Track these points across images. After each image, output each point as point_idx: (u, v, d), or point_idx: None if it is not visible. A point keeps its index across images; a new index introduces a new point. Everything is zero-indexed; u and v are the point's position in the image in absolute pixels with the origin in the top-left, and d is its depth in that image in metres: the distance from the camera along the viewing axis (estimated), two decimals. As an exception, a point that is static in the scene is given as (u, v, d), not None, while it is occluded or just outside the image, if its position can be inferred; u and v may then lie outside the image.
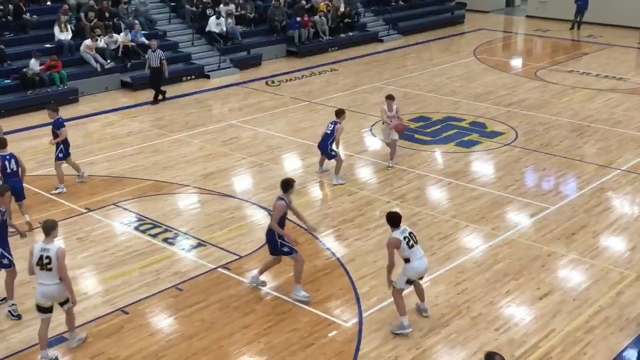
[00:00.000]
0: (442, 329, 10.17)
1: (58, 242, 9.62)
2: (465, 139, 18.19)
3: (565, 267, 11.93)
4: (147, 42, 23.72)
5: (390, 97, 15.82)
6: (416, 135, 18.39)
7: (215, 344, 9.79)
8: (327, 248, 12.54)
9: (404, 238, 9.80)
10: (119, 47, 22.99)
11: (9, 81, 20.75)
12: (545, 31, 32.52)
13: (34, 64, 20.52)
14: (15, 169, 12.57)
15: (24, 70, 20.56)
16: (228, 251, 12.32)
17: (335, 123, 15.17)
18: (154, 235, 12.86)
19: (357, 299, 10.87)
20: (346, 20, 29.95)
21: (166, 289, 11.14)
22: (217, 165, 16.30)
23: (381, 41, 30.64)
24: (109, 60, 22.72)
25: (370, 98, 21.89)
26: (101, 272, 11.65)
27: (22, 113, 19.86)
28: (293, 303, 10.72)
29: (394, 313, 10.42)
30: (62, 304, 9.42)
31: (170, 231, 12.91)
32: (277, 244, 10.70)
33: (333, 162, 15.34)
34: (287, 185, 10.76)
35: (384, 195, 14.72)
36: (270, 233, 10.76)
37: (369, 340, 9.87)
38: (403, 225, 10.01)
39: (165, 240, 12.65)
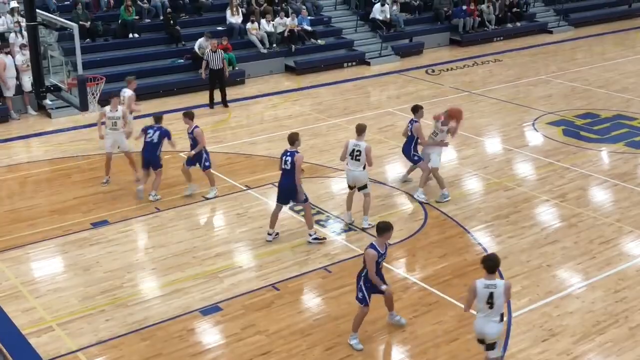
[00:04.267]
0: (596, 336, 9.69)
1: (363, 143, 12.35)
2: (636, 139, 17.10)
3: None
4: (309, 28, 24.29)
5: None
6: (582, 133, 17.54)
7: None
8: (479, 243, 12.28)
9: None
10: (284, 30, 23.66)
11: (182, 60, 21.98)
12: None
13: (204, 44, 21.47)
14: (155, 140, 13.56)
15: (195, 50, 21.60)
16: (378, 238, 12.38)
17: (412, 122, 13.69)
18: (308, 217, 13.18)
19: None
20: (514, 9, 29.03)
21: (316, 270, 11.40)
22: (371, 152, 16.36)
23: (550, 32, 29.41)
24: (274, 45, 23.45)
25: (535, 91, 21.11)
26: (256, 248, 12.12)
27: (192, 92, 20.96)
28: (440, 295, 10.62)
29: (546, 315, 10.08)
30: (360, 189, 12.59)
31: (323, 213, 13.16)
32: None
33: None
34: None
35: (543, 192, 14.18)
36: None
37: (517, 342, 9.58)
38: None
39: (317, 222, 12.91)
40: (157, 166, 13.75)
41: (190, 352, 9.43)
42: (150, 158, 13.61)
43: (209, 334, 9.91)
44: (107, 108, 14.30)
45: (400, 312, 10.21)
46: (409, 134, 13.69)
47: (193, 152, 13.60)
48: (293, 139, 11.94)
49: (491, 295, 8.16)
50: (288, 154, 11.85)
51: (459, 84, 22.12)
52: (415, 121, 13.61)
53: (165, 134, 13.70)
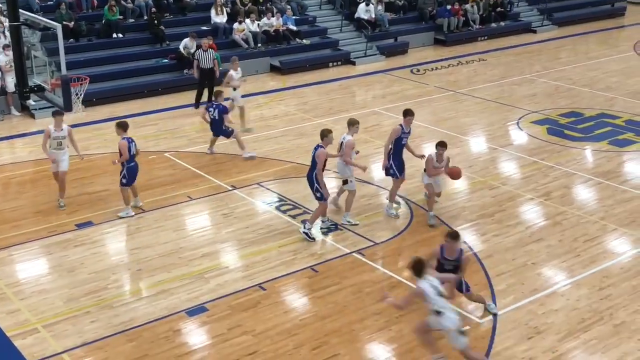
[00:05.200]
0: (581, 333, 9.75)
1: (348, 136, 12.64)
2: (620, 137, 17.24)
3: None
4: (294, 28, 24.28)
5: (442, 145, 12.86)
6: (566, 131, 17.66)
7: (346, 327, 9.92)
8: (464, 242, 12.30)
9: None
10: (270, 30, 23.63)
11: (166, 60, 21.88)
12: None
13: (189, 44, 21.38)
14: (217, 117, 15.58)
15: (180, 50, 21.50)
16: (364, 237, 12.41)
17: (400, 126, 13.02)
18: (294, 217, 13.18)
19: (493, 296, 10.63)
20: (498, 9, 29.17)
21: (302, 269, 11.40)
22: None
23: (534, 32, 29.58)
24: (259, 45, 23.42)
25: (519, 90, 21.23)
26: (243, 248, 12.10)
27: (178, 91, 20.87)
28: (426, 294, 10.64)
29: (531, 313, 10.13)
30: (344, 183, 12.82)
31: (309, 213, 13.15)
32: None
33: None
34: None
35: (528, 191, 14.26)
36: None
37: (503, 339, 9.64)
38: None
39: (304, 222, 12.90)
40: (227, 134, 15.79)
41: (177, 353, 9.40)
42: (219, 132, 15.78)
43: (195, 334, 9.88)
44: (52, 127, 12.99)
45: (387, 312, 10.23)
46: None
47: (117, 160, 12.77)
48: (322, 134, 12.29)
49: (437, 288, 8.72)
50: (315, 147, 12.31)
51: (443, 83, 22.19)
52: (399, 124, 13.06)
53: (223, 110, 15.59)
